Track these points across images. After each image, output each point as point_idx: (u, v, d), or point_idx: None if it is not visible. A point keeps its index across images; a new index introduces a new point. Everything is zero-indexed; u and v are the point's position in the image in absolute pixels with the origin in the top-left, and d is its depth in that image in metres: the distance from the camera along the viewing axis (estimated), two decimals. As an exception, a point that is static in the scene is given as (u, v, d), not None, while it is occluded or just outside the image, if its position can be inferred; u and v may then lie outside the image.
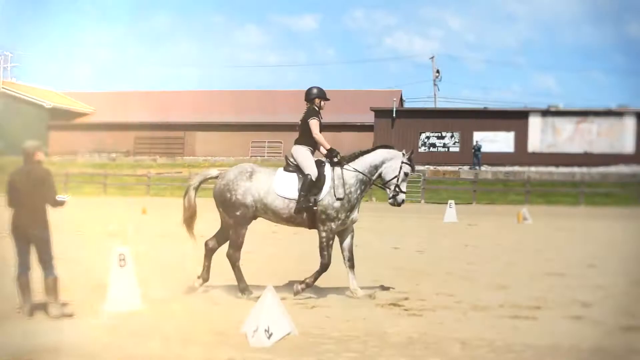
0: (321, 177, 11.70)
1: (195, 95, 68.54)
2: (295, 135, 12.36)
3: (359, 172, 11.86)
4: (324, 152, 12.09)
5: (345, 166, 11.88)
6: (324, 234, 11.66)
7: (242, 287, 11.61)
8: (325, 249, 11.64)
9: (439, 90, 70.59)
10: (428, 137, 56.11)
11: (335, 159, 11.95)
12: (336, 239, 11.92)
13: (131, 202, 35.80)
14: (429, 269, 12.70)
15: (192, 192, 12.24)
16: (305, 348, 8.48)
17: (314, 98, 12.24)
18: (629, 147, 53.45)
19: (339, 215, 11.63)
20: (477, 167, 51.78)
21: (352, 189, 11.76)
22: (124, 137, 63.65)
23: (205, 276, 11.89)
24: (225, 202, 11.78)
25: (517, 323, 10.03)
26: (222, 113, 63.99)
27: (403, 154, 12.09)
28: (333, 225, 11.63)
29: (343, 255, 12.03)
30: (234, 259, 11.70)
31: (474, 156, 52.23)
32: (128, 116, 63.36)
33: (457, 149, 54.94)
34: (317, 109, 12.21)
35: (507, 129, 55.03)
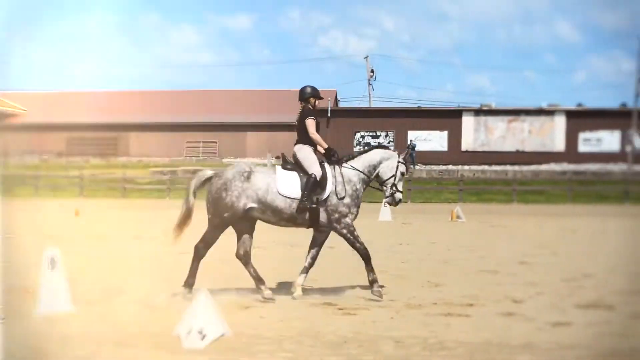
0: (325, 176, 11.77)
1: (129, 95, 67.80)
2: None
3: (358, 171, 12.05)
4: (322, 151, 12.09)
5: (344, 165, 12.06)
6: (344, 231, 11.79)
7: (188, 282, 11.49)
8: (355, 242, 11.81)
9: (373, 89, 70.94)
10: (363, 137, 56.49)
11: (334, 158, 12.05)
12: (308, 236, 12.29)
13: (64, 204, 35.24)
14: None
15: (192, 197, 11.94)
16: (239, 349, 8.45)
17: (309, 97, 12.26)
18: (559, 145, 54.41)
19: (352, 210, 11.83)
20: (411, 166, 52.20)
21: (358, 186, 11.98)
22: (56, 138, 62.71)
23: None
24: (219, 201, 11.62)
25: (450, 320, 10.15)
26: (156, 113, 63.47)
27: (399, 154, 12.38)
28: (348, 220, 11.79)
29: (309, 251, 12.09)
30: (200, 254, 11.62)
31: (409, 155, 52.59)
32: (61, 117, 62.44)
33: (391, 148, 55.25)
34: (311, 108, 12.24)
35: (441, 128, 55.66)
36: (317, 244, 12.13)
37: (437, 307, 10.98)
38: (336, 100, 67.43)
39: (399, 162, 12.24)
